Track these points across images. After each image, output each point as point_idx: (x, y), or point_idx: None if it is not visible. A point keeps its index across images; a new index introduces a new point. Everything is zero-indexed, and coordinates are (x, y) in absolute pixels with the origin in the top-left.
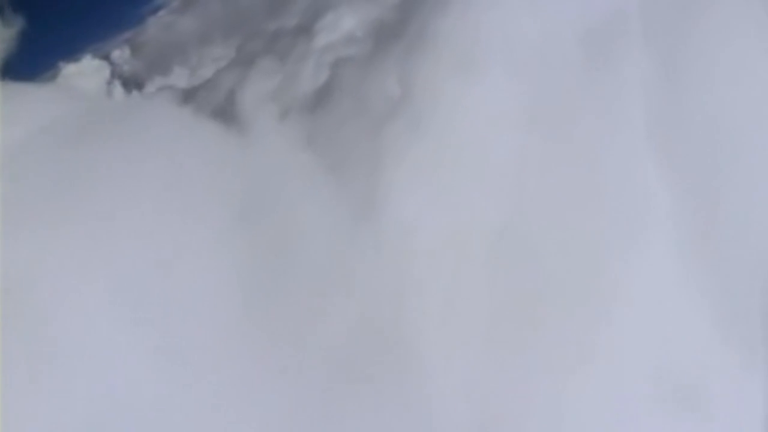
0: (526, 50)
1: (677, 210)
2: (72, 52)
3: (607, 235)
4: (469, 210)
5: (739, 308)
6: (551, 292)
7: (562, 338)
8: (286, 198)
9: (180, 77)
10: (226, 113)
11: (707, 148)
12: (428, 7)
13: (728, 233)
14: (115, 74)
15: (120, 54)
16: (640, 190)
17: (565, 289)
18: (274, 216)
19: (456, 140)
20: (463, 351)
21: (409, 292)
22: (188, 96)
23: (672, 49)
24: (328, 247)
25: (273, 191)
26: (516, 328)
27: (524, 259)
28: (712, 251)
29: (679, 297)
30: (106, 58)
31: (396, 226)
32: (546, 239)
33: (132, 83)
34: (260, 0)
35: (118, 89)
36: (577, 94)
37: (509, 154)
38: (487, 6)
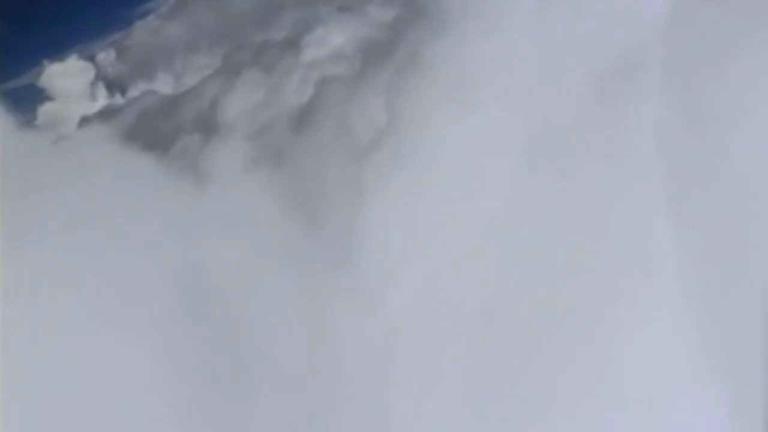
0: (526, 84)
1: (683, 263)
2: (57, 52)
3: (607, 288)
4: (454, 256)
5: (737, 362)
6: (543, 339)
7: (552, 386)
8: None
9: (164, 83)
10: (207, 123)
11: (723, 205)
12: (422, 28)
13: (733, 288)
14: (100, 76)
15: (105, 56)
16: (647, 243)
17: (560, 335)
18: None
19: (442, 177)
20: (443, 404)
21: (388, 350)
22: (171, 103)
23: (694, 95)
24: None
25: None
26: (500, 378)
27: (512, 316)
28: (715, 304)
29: (678, 348)
30: (92, 59)
31: (374, 273)
32: (538, 287)
33: (116, 86)
34: (249, 11)
35: (101, 91)
36: (583, 137)
37: (501, 196)
38: (488, 32)
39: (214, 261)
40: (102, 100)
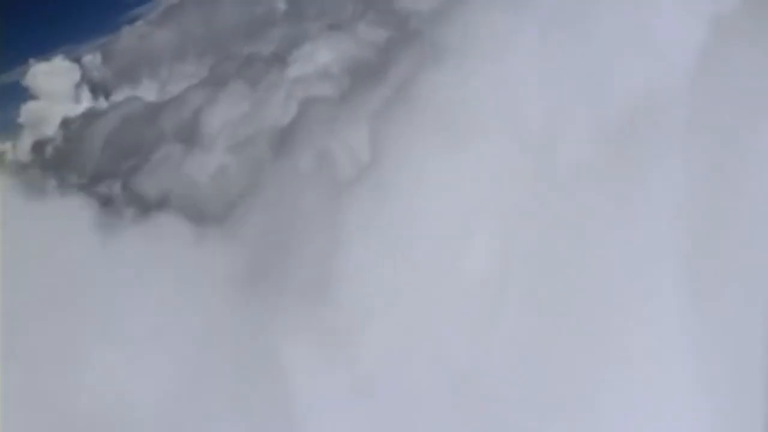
0: (527, 124)
1: (700, 353)
2: (44, 51)
3: (600, 359)
4: (435, 309)
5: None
6: (527, 409)
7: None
8: None
9: (149, 90)
10: (189, 133)
11: (750, 285)
12: (415, 53)
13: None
14: (85, 78)
15: (91, 59)
16: (655, 319)
17: (545, 408)
18: None
19: (427, 221)
20: None
21: (356, 409)
22: (154, 110)
23: (722, 151)
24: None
25: None
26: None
27: (495, 383)
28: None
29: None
30: (78, 61)
31: (346, 321)
32: (524, 351)
33: (100, 89)
34: (239, 22)
35: (85, 93)
36: (587, 190)
37: (489, 247)
38: (487, 63)
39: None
40: (86, 102)
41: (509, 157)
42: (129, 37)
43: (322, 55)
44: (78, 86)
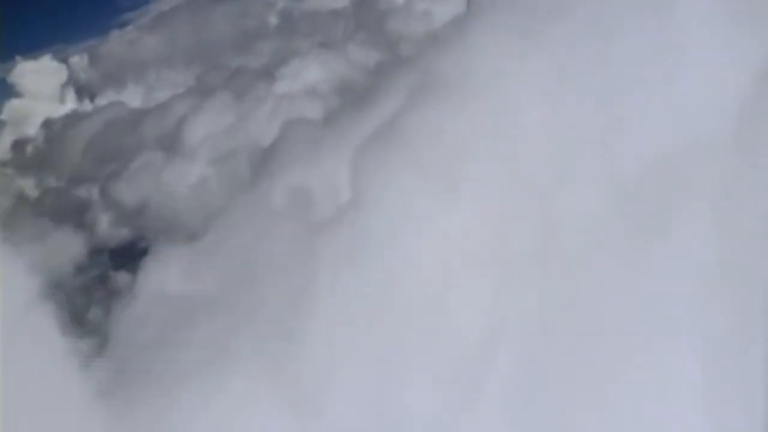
0: (530, 179)
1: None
2: (32, 50)
3: None
4: (412, 379)
5: None
6: None
7: None
8: None
9: (134, 95)
10: (171, 141)
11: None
12: (408, 81)
13: None
14: (71, 80)
15: (79, 61)
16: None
17: None
18: None
19: (410, 278)
20: None
21: None
22: (138, 116)
23: (758, 237)
24: None
25: None
26: None
27: None
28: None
29: None
30: (66, 61)
31: (311, 379)
32: (517, 419)
33: (85, 92)
34: (229, 34)
35: (71, 95)
36: (595, 262)
37: (479, 316)
38: (489, 97)
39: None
40: (70, 104)
41: (508, 207)
42: (118, 41)
43: (310, 73)
44: (64, 87)
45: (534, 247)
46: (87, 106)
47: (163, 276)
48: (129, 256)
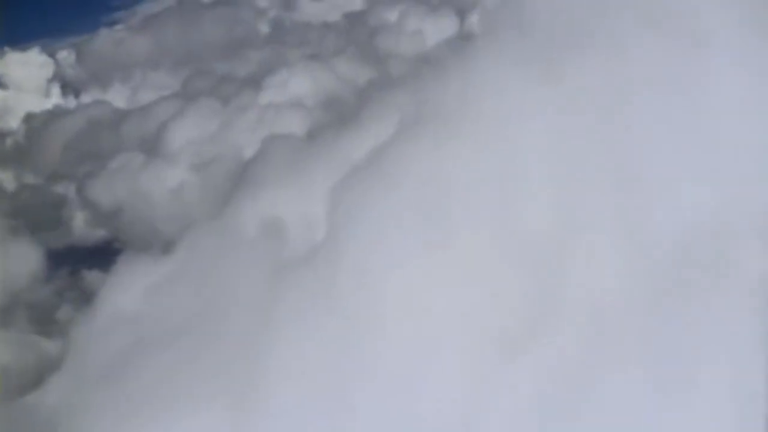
0: (525, 230)
1: None
2: (21, 41)
3: None
4: None
5: None
6: None
7: None
8: None
9: (119, 95)
10: (152, 144)
11: None
12: (403, 107)
13: None
14: (57, 75)
15: (66, 56)
16: None
17: None
18: None
19: (381, 326)
20: None
21: None
22: (122, 116)
23: None
24: None
25: None
26: None
27: None
28: None
29: None
30: (53, 56)
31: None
32: None
33: (71, 88)
34: (218, 40)
35: (56, 90)
36: (600, 346)
37: (458, 384)
38: (488, 135)
39: None
40: (55, 98)
41: (501, 266)
42: (106, 40)
43: (297, 85)
44: (50, 82)
45: (528, 318)
46: (71, 102)
47: (125, 294)
48: (103, 255)
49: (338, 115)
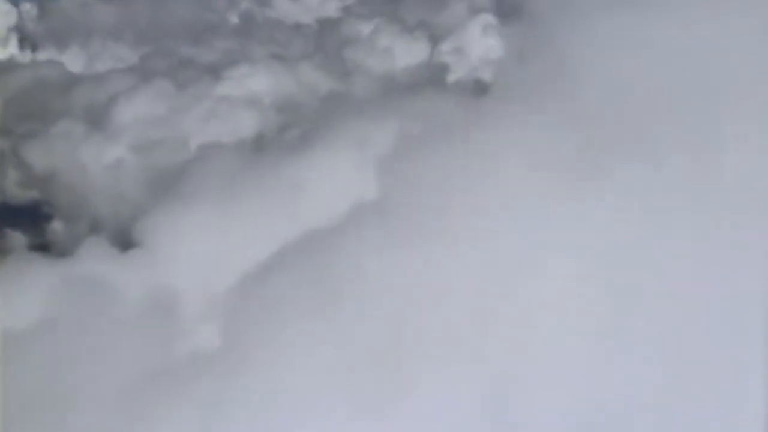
0: (479, 354)
1: None
2: None
3: None
4: None
5: None
6: None
7: None
8: None
9: (75, 59)
10: (98, 117)
11: None
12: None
13: None
14: (18, 26)
15: (29, 9)
16: None
17: None
18: None
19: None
20: None
21: None
22: (73, 81)
23: None
24: None
25: None
26: None
27: None
28: None
29: None
30: (17, 5)
31: None
32: None
33: (28, 42)
34: (186, 22)
35: (13, 41)
36: None
37: None
38: (436, 242)
39: None
40: (11, 49)
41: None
42: (73, 1)
43: (257, 82)
44: (9, 31)
45: None
46: (27, 56)
47: (22, 294)
48: (30, 217)
49: (292, 119)
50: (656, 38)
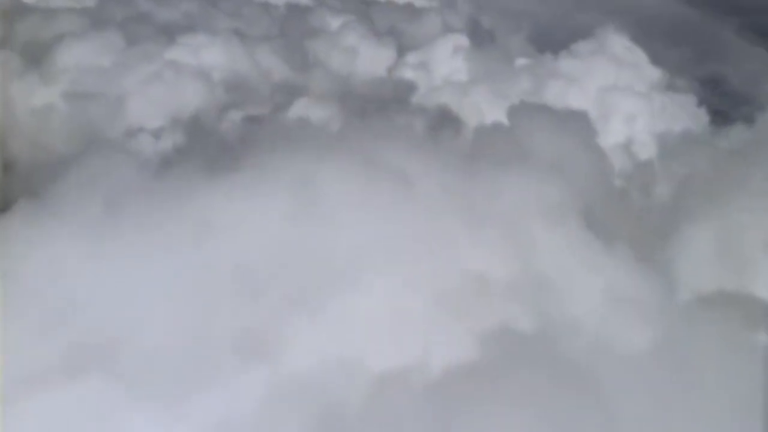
0: None
1: None
2: None
3: None
4: None
5: None
6: None
7: None
8: None
9: None
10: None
11: None
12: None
13: None
14: None
15: None
16: None
17: None
18: None
19: None
20: None
21: None
22: (21, 11)
23: None
24: None
25: None
26: None
27: None
28: None
29: None
30: None
31: None
32: None
33: None
34: None
35: None
36: None
37: None
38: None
39: None
40: None
41: None
42: None
43: (210, 54)
44: None
45: None
46: None
47: None
48: None
49: (238, 101)
50: None
